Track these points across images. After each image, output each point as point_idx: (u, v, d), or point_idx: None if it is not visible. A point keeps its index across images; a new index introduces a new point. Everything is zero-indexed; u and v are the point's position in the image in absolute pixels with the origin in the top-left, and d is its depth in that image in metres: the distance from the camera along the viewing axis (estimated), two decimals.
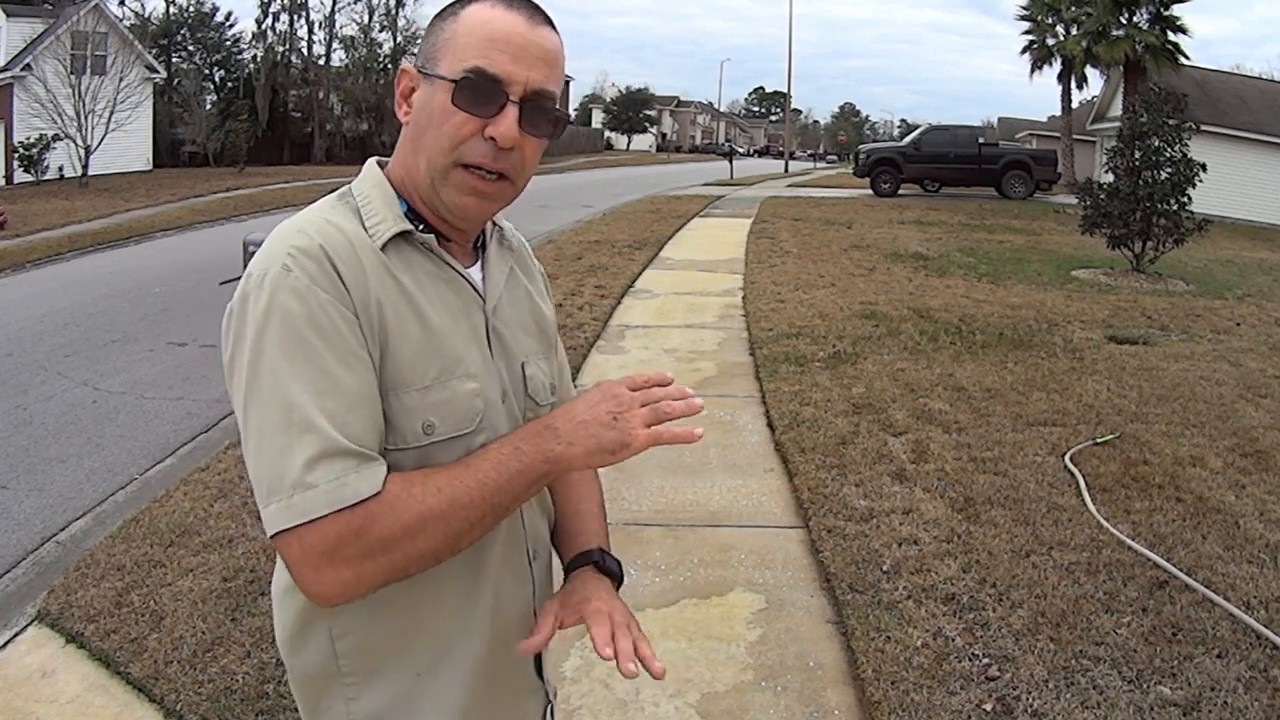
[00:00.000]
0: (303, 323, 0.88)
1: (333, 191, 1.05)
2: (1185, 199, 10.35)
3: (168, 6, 37.58)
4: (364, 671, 0.98)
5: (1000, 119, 44.53)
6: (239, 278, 0.98)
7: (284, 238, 0.94)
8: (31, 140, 24.50)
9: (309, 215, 0.99)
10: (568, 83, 60.68)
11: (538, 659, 1.11)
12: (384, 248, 0.97)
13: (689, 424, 0.96)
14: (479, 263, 1.09)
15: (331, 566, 0.85)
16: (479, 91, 0.96)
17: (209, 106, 35.42)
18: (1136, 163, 10.68)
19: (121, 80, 24.48)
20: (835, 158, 73.04)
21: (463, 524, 0.90)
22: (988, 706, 2.58)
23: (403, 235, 0.99)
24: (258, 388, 0.88)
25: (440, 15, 1.03)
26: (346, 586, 0.87)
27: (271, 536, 0.87)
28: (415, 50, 1.09)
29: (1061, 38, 25.15)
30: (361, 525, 0.85)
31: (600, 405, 0.94)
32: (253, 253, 1.03)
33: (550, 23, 1.02)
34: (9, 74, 24.72)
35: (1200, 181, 10.45)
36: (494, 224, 1.13)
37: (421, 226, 1.02)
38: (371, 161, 1.08)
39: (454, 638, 1.00)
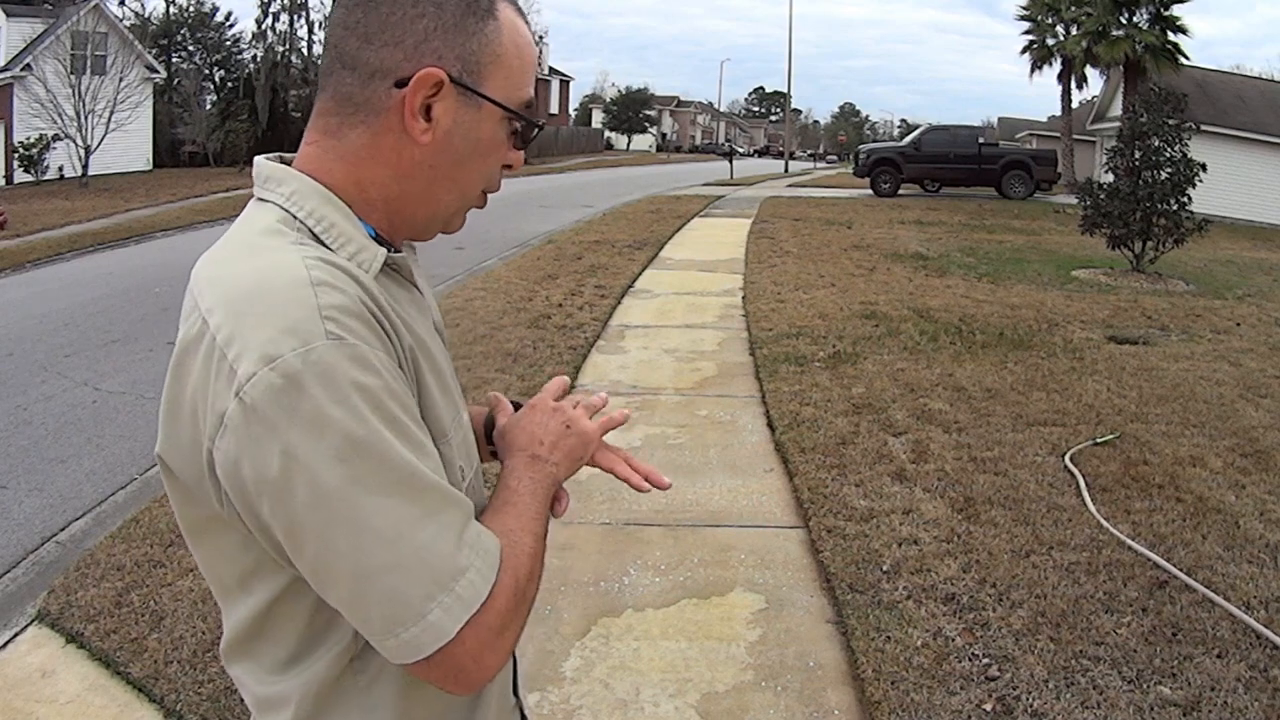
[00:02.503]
0: (388, 398, 0.73)
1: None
2: (1185, 199, 10.34)
3: (168, 6, 37.64)
4: None
5: (1000, 119, 44.57)
6: None
7: (296, 298, 0.72)
8: (31, 140, 24.54)
9: (288, 258, 0.76)
10: (567, 83, 60.79)
11: (514, 678, 1.05)
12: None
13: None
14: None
15: (501, 639, 0.77)
16: (534, 123, 0.89)
17: (209, 106, 35.42)
18: (1136, 163, 10.68)
19: (121, 80, 24.49)
20: (835, 158, 73.07)
21: (543, 553, 0.86)
22: (988, 706, 2.58)
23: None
24: (366, 494, 0.70)
25: (469, 7, 0.83)
26: (507, 653, 0.80)
27: (428, 658, 0.73)
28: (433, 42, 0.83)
29: (1061, 38, 25.18)
30: (514, 583, 0.79)
31: (551, 422, 0.95)
32: None
33: None
34: (9, 74, 24.72)
35: (1200, 181, 10.45)
36: None
37: (392, 249, 0.89)
38: (285, 170, 0.85)
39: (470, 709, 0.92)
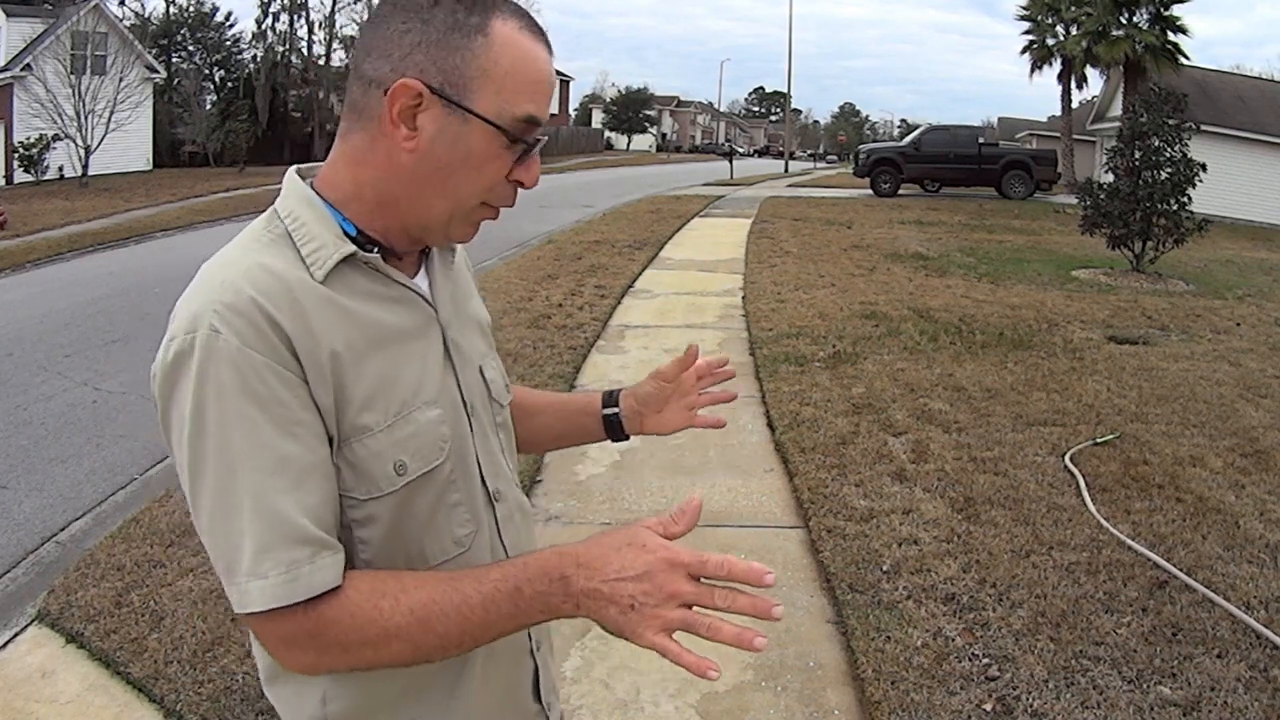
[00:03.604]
0: (239, 393, 0.80)
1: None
2: (1185, 199, 10.34)
3: (168, 6, 37.72)
4: None
5: (1000, 119, 44.59)
6: None
7: (210, 290, 0.83)
8: (31, 140, 24.56)
9: (235, 256, 0.87)
10: (567, 83, 60.79)
11: (535, 681, 1.07)
12: (326, 278, 0.87)
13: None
14: (423, 269, 1.00)
15: (290, 652, 0.83)
16: (529, 140, 0.90)
17: (209, 106, 35.44)
18: (1136, 163, 10.68)
19: (121, 80, 24.50)
20: (835, 158, 73.10)
21: (433, 648, 0.83)
22: (988, 706, 2.58)
23: (345, 259, 0.89)
24: (202, 467, 0.81)
25: (456, 24, 0.86)
26: (312, 667, 0.85)
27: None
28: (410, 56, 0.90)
29: (1061, 38, 25.19)
30: (316, 628, 0.81)
31: (634, 582, 0.80)
32: None
33: None
34: (9, 74, 24.74)
35: (1200, 181, 10.45)
36: None
37: (371, 247, 0.92)
38: (292, 174, 0.95)
39: (450, 688, 0.96)
